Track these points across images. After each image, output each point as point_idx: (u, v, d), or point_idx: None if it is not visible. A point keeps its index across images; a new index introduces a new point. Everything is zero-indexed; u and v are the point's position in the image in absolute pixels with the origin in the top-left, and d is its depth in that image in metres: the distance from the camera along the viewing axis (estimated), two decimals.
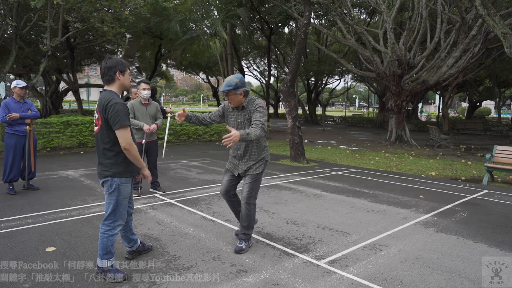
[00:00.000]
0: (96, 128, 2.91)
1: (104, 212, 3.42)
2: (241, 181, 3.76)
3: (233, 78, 3.41)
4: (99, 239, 2.90)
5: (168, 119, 5.12)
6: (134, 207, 5.00)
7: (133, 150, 2.86)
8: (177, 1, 19.43)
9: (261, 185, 6.53)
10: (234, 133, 3.02)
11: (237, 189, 3.82)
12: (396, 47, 14.06)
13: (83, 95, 29.05)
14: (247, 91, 3.49)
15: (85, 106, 30.47)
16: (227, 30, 18.30)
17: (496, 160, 7.49)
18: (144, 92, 5.47)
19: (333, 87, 45.02)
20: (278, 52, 30.63)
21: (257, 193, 3.68)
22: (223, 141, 3.04)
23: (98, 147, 2.92)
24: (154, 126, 5.53)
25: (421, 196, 6.05)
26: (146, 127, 5.42)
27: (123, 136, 2.79)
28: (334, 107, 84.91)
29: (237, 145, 3.57)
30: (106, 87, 2.92)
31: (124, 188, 2.92)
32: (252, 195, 3.58)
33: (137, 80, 10.14)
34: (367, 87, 41.55)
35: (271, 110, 41.53)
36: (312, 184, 6.87)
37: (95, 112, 2.91)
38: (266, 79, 30.06)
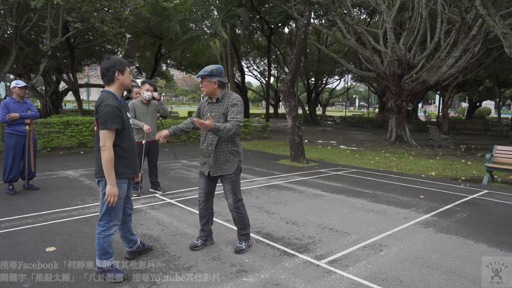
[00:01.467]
0: (95, 128, 2.93)
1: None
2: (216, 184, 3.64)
3: (211, 66, 3.37)
4: (96, 240, 2.89)
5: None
6: (134, 207, 5.00)
7: (107, 154, 2.75)
8: (177, 1, 19.43)
9: (261, 185, 6.57)
10: (209, 121, 3.02)
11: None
12: (396, 47, 14.05)
13: (83, 95, 29.08)
14: (223, 83, 3.39)
15: (85, 106, 30.47)
16: (227, 30, 18.29)
17: (496, 160, 7.49)
18: (147, 93, 5.47)
19: (333, 87, 45.02)
20: (278, 52, 30.62)
21: (240, 192, 3.58)
22: (195, 121, 3.05)
23: (96, 147, 2.93)
24: (147, 126, 5.50)
25: (421, 196, 6.05)
26: (146, 127, 5.41)
27: (103, 137, 2.76)
28: (334, 107, 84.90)
29: (209, 141, 3.43)
30: (106, 88, 2.93)
31: (119, 188, 2.87)
32: (237, 199, 3.52)
33: (138, 80, 10.16)
34: (367, 87, 41.56)
35: (271, 110, 41.52)
36: (312, 184, 6.87)
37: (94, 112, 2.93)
38: (266, 79, 30.05)
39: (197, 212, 4.84)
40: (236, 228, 3.71)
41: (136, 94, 6.97)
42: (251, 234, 4.02)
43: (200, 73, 3.36)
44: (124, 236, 3.25)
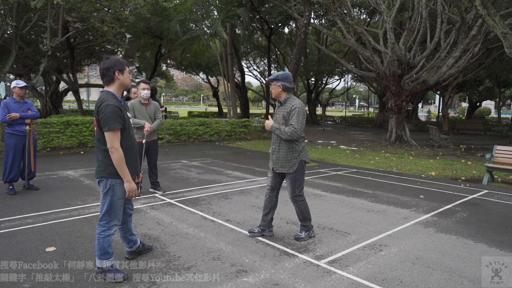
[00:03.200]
0: (95, 128, 2.94)
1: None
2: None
3: (279, 72, 3.85)
4: (96, 240, 2.89)
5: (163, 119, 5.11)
6: (134, 207, 5.00)
7: (117, 155, 2.77)
8: (177, 1, 19.44)
9: (261, 185, 6.56)
10: (270, 121, 3.71)
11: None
12: (396, 47, 14.05)
13: (83, 95, 29.06)
14: (287, 87, 3.79)
15: (84, 106, 30.47)
16: (227, 30, 18.30)
17: (496, 160, 7.49)
18: (144, 92, 5.49)
19: (333, 87, 45.02)
20: (278, 52, 30.61)
21: (301, 189, 3.87)
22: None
23: (96, 147, 2.92)
24: (148, 124, 5.52)
25: (421, 196, 6.05)
26: (147, 126, 5.44)
27: (110, 139, 2.76)
28: (334, 107, 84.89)
29: (273, 139, 3.90)
30: (105, 88, 2.91)
31: (118, 188, 2.87)
32: (296, 193, 3.82)
33: (137, 80, 10.13)
34: (367, 87, 41.55)
35: (271, 110, 41.51)
36: (312, 184, 6.87)
37: (94, 112, 2.93)
38: (266, 79, 30.05)
39: (197, 212, 4.86)
40: (239, 229, 3.71)
41: (134, 94, 6.99)
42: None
43: (269, 78, 3.86)
44: (124, 236, 3.25)
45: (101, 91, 2.91)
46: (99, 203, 5.11)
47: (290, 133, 3.62)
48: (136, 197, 5.51)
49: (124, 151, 2.87)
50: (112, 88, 2.89)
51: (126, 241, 3.27)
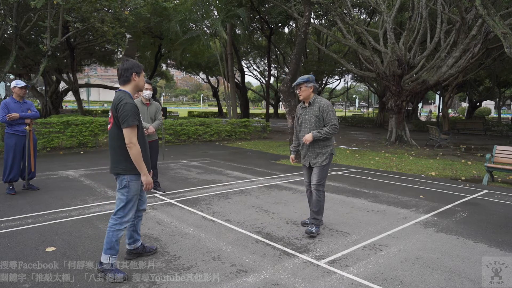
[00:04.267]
0: (109, 126, 3.05)
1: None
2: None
3: (304, 75, 4.05)
4: (106, 233, 2.99)
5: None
6: None
7: (135, 150, 2.93)
8: (177, 1, 19.43)
9: (261, 185, 6.57)
10: (308, 135, 3.95)
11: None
12: (396, 47, 14.05)
13: (83, 95, 29.06)
14: (316, 88, 4.08)
15: (85, 106, 30.46)
16: (227, 30, 18.29)
17: (496, 160, 7.49)
18: (146, 92, 5.51)
19: (333, 87, 45.03)
20: (278, 52, 30.61)
21: (325, 179, 4.10)
22: (303, 140, 3.99)
23: (111, 144, 3.05)
24: (151, 129, 5.56)
25: (421, 196, 6.05)
26: (151, 129, 5.47)
27: (128, 135, 2.92)
28: (334, 107, 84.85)
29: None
30: (121, 88, 3.08)
31: (134, 184, 3.02)
32: (321, 183, 4.04)
33: None
34: (367, 87, 41.56)
35: (271, 110, 41.52)
36: None
37: (110, 110, 3.04)
38: (266, 79, 30.06)
39: (197, 212, 4.87)
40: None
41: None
42: (250, 234, 4.04)
43: (298, 80, 4.02)
44: (128, 230, 3.30)
45: (116, 91, 3.06)
46: (99, 203, 5.14)
47: (332, 131, 3.96)
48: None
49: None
50: (127, 88, 3.07)
51: (128, 235, 3.32)
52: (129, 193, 3.01)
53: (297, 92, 4.09)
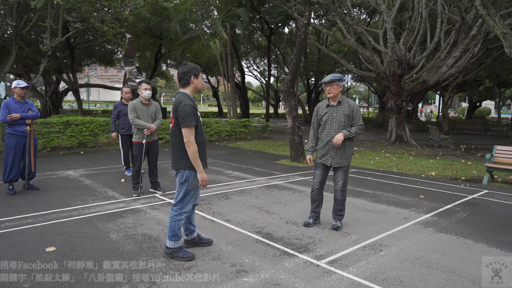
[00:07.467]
0: (170, 125, 3.32)
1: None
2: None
3: (335, 74, 4.11)
4: (168, 223, 3.32)
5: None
6: (134, 207, 5.01)
7: (192, 148, 3.14)
8: (177, 1, 19.42)
9: (261, 185, 6.57)
10: (339, 135, 3.99)
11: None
12: (396, 47, 14.05)
13: (83, 95, 29.06)
14: (344, 87, 4.23)
15: (85, 106, 30.45)
16: (227, 30, 18.29)
17: (496, 160, 7.49)
18: (146, 92, 5.52)
19: None
20: (278, 52, 30.59)
21: (348, 179, 4.30)
22: (334, 142, 4.01)
23: (172, 142, 3.31)
24: (153, 127, 5.59)
25: (421, 196, 6.05)
26: (153, 128, 5.49)
27: (186, 135, 3.14)
28: None
29: (331, 138, 4.13)
30: (181, 90, 3.29)
31: (193, 180, 3.26)
32: (346, 184, 4.26)
33: (137, 80, 10.16)
34: (367, 87, 41.56)
35: (271, 110, 41.50)
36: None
37: (171, 111, 3.29)
38: (266, 79, 30.04)
39: (197, 212, 4.86)
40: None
41: (126, 94, 7.06)
42: (250, 234, 4.04)
43: (331, 78, 4.03)
44: (184, 223, 3.51)
45: (177, 93, 3.29)
46: (99, 203, 5.14)
47: (360, 131, 4.10)
48: (136, 197, 5.52)
49: (197, 146, 3.19)
50: (187, 90, 3.26)
51: (184, 228, 3.56)
52: (188, 187, 3.26)
53: (327, 89, 4.05)
